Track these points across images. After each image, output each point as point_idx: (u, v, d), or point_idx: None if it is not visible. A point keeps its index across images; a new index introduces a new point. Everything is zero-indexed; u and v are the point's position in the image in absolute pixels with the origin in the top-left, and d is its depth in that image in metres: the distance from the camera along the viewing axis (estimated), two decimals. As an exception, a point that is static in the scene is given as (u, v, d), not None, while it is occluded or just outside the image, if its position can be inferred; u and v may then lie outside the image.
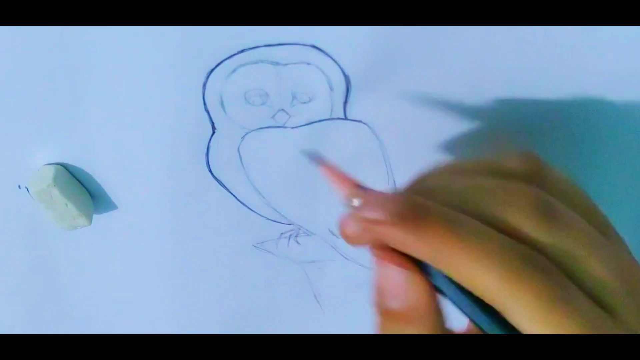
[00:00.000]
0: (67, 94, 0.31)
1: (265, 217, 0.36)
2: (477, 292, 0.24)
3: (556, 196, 0.25)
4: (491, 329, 0.25)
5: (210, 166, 0.34)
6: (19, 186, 0.35)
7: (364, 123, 0.32)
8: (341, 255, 0.38)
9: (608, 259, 0.25)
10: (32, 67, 0.31)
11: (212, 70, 0.30)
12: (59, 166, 0.34)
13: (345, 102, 0.31)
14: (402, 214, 0.24)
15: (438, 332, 0.25)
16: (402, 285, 0.25)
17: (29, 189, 0.33)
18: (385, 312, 0.26)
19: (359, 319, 0.41)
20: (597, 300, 0.24)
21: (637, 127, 0.32)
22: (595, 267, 0.24)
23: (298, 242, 0.37)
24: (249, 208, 0.36)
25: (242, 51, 0.30)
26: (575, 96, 0.31)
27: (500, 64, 0.30)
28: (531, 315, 0.23)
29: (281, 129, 0.32)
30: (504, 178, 0.26)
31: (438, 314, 0.25)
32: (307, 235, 0.37)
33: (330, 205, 0.35)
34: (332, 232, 0.37)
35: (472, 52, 0.30)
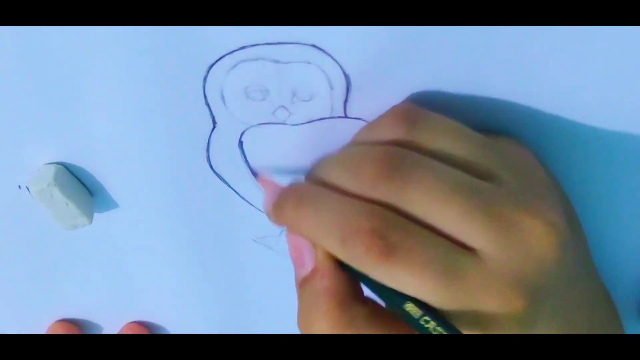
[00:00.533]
0: (67, 92, 0.31)
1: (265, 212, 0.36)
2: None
3: (423, 138, 0.27)
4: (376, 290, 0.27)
5: (211, 161, 0.34)
6: (19, 186, 0.35)
7: (364, 121, 0.32)
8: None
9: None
10: (32, 67, 0.31)
11: (212, 65, 0.30)
12: (59, 165, 0.34)
13: (346, 101, 0.31)
14: (271, 206, 0.29)
15: (346, 298, 0.27)
16: (303, 252, 0.29)
17: (29, 189, 0.33)
18: (299, 283, 0.29)
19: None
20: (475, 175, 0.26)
21: (637, 127, 0.32)
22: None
23: None
24: (249, 203, 0.36)
25: (242, 48, 0.30)
26: (575, 96, 0.31)
27: (500, 64, 0.30)
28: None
29: (281, 125, 0.32)
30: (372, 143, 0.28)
31: (339, 277, 0.27)
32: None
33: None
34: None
35: (472, 52, 0.30)
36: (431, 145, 0.27)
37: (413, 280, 0.25)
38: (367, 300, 0.28)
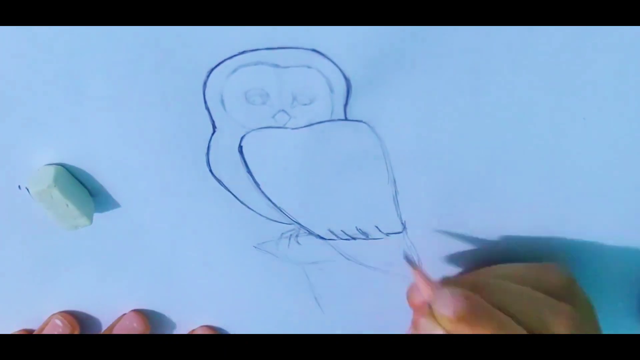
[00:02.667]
0: (67, 93, 0.31)
1: (265, 217, 0.36)
2: None
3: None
4: None
5: (211, 165, 0.34)
6: (19, 187, 0.35)
7: (365, 124, 0.32)
8: (341, 255, 0.38)
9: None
10: (32, 68, 0.31)
11: (212, 69, 0.30)
12: (59, 166, 0.34)
13: (346, 104, 0.31)
14: (462, 316, 0.31)
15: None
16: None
17: (29, 190, 0.33)
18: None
19: (358, 319, 0.41)
20: None
21: (637, 127, 0.32)
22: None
23: (299, 243, 0.37)
24: (249, 208, 0.36)
25: (242, 52, 0.30)
26: (575, 96, 0.31)
27: (500, 64, 0.30)
28: None
29: (282, 129, 0.32)
30: (544, 291, 0.32)
31: None
32: (308, 235, 0.37)
33: (329, 206, 0.35)
34: (332, 232, 0.37)
35: (472, 52, 0.30)
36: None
37: None
38: None
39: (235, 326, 0.42)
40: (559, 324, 0.31)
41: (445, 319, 0.31)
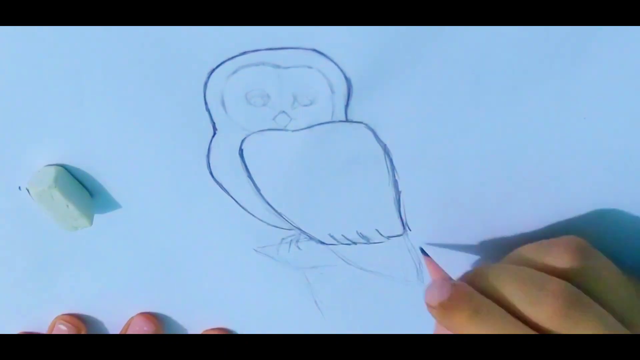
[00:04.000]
0: (67, 94, 0.31)
1: (265, 222, 0.36)
2: None
3: (591, 282, 0.31)
4: None
5: (211, 168, 0.34)
6: (19, 187, 0.35)
7: (365, 125, 0.32)
8: (341, 259, 0.38)
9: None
10: (32, 67, 0.30)
11: (213, 70, 0.30)
12: (60, 167, 0.34)
13: (347, 105, 0.31)
14: (437, 302, 0.31)
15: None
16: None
17: (29, 190, 0.33)
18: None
19: (358, 323, 0.41)
20: (616, 315, 0.30)
21: (637, 127, 0.32)
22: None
23: (299, 248, 0.37)
24: (249, 212, 0.36)
25: (243, 53, 0.30)
26: (575, 96, 0.31)
27: (501, 64, 0.30)
28: None
29: (282, 131, 0.32)
30: (547, 270, 0.31)
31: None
32: (308, 240, 0.37)
33: (330, 208, 0.35)
34: (332, 237, 0.37)
35: (472, 52, 0.30)
36: (598, 288, 0.31)
37: None
38: None
39: (236, 328, 0.42)
40: (545, 301, 0.30)
41: (434, 311, 0.31)
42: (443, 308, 0.31)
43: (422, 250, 0.36)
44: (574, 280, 0.31)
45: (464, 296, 0.31)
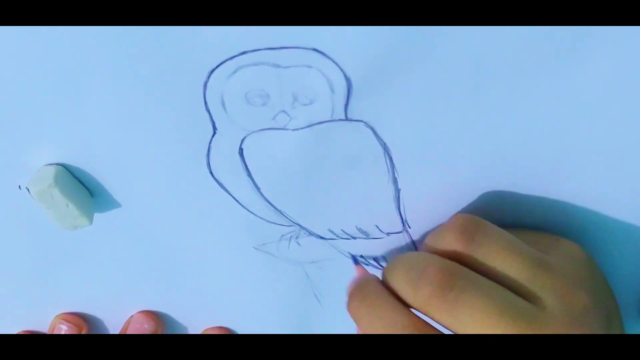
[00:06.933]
0: (67, 93, 0.31)
1: (265, 220, 0.36)
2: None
3: (479, 258, 0.31)
4: None
5: (211, 167, 0.34)
6: (19, 186, 0.34)
7: (365, 123, 0.32)
8: (341, 253, 0.38)
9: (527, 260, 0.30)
10: (32, 67, 0.30)
11: (213, 70, 0.30)
12: (60, 166, 0.34)
13: (347, 104, 0.31)
14: (348, 293, 0.33)
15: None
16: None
17: (29, 190, 0.33)
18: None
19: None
20: (523, 295, 0.29)
21: (637, 127, 0.32)
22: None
23: (299, 244, 0.37)
24: (249, 211, 0.36)
25: (243, 53, 0.30)
26: (575, 96, 0.31)
27: (500, 64, 0.30)
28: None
29: (282, 130, 0.32)
30: (440, 254, 0.31)
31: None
32: (308, 236, 0.37)
33: (330, 206, 0.35)
34: (332, 232, 0.37)
35: (472, 52, 0.30)
36: (487, 262, 0.31)
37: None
38: None
39: (236, 326, 0.42)
40: (422, 285, 0.30)
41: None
42: (348, 300, 0.33)
43: (354, 258, 0.37)
44: (462, 260, 0.31)
45: (358, 284, 0.33)
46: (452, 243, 0.31)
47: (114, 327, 0.42)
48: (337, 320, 0.40)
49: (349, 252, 0.36)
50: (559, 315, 0.29)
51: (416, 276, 0.30)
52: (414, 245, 0.37)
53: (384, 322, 0.30)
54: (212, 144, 0.33)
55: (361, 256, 0.37)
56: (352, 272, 0.38)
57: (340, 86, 0.30)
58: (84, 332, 0.41)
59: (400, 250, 0.37)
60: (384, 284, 0.32)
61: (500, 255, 0.30)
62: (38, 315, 0.41)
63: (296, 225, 0.36)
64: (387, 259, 0.37)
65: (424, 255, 0.31)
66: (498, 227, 0.32)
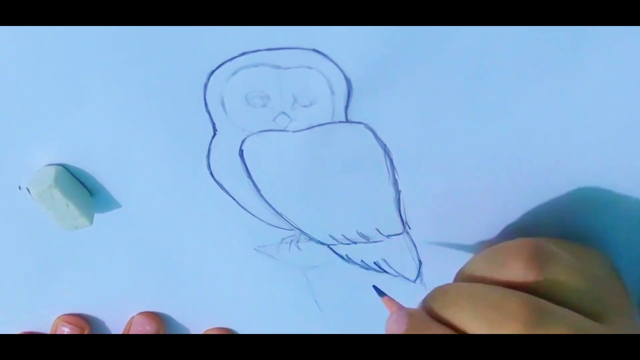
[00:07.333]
0: (67, 94, 0.31)
1: (266, 222, 0.36)
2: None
3: (553, 287, 0.29)
4: None
5: (211, 169, 0.34)
6: (19, 187, 0.35)
7: (365, 125, 0.32)
8: (341, 258, 0.38)
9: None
10: (32, 67, 0.31)
11: (213, 72, 0.30)
12: (60, 167, 0.34)
13: (347, 106, 0.31)
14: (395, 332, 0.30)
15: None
16: None
17: (29, 190, 0.33)
18: None
19: (359, 322, 0.41)
20: (585, 312, 0.29)
21: (637, 127, 0.32)
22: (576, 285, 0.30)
23: (299, 248, 0.37)
24: (249, 212, 0.36)
25: (243, 54, 0.30)
26: (575, 96, 0.31)
27: (501, 64, 0.30)
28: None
29: (282, 132, 0.32)
30: (504, 283, 0.30)
31: None
32: (308, 241, 0.37)
33: (330, 209, 0.35)
34: (332, 237, 0.37)
35: (473, 53, 0.30)
36: (561, 290, 0.29)
37: None
38: None
39: (237, 327, 0.42)
40: (505, 324, 0.28)
41: None
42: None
43: (377, 289, 0.34)
44: (533, 289, 0.29)
45: (420, 327, 0.29)
46: (520, 273, 0.29)
47: (115, 328, 0.42)
48: (336, 324, 0.40)
49: (372, 285, 0.34)
50: (619, 328, 0.29)
51: (494, 314, 0.28)
52: (414, 246, 0.37)
53: None
54: (212, 145, 0.33)
55: (375, 263, 0.37)
56: (351, 275, 0.38)
57: (341, 87, 0.30)
58: (86, 333, 0.41)
59: (401, 250, 0.37)
60: (442, 320, 0.30)
61: (571, 281, 0.30)
62: (39, 316, 0.41)
63: (296, 230, 0.36)
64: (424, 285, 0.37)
65: (494, 289, 0.29)
66: (560, 250, 0.31)
